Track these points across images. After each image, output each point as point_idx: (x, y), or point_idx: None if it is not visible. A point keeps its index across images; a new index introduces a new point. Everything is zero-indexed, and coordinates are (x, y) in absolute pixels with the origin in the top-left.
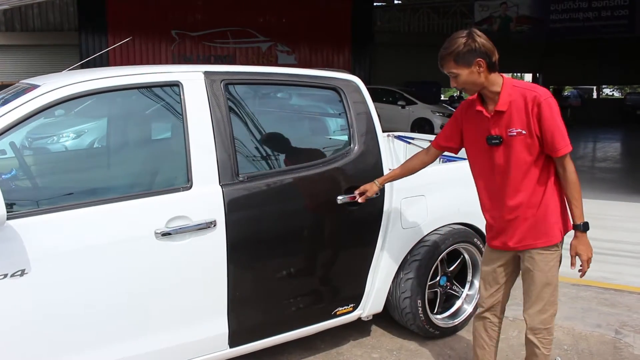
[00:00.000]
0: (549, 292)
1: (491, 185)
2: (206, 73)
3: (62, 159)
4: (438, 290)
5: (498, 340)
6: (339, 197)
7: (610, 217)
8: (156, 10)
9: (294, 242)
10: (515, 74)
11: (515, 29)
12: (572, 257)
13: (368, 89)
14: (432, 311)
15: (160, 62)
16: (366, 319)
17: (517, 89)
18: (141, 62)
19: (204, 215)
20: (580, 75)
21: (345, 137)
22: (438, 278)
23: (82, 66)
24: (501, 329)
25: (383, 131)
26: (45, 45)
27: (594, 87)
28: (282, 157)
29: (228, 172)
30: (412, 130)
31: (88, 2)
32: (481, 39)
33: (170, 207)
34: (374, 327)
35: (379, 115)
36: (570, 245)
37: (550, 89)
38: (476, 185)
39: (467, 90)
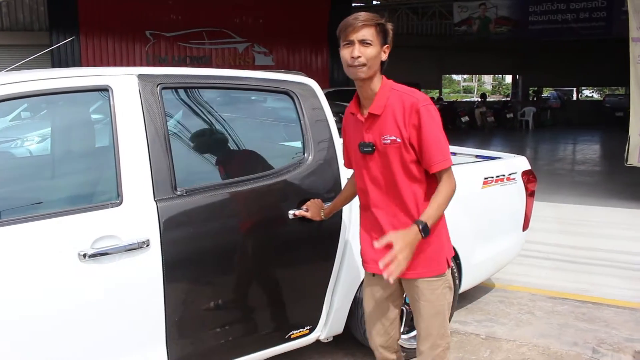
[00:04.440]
0: (437, 323)
1: (370, 202)
2: (140, 76)
3: None
4: (404, 308)
5: None
6: (291, 212)
7: (587, 223)
8: (130, 10)
9: (240, 261)
10: (495, 76)
11: (494, 30)
12: (385, 242)
13: (347, 91)
14: None
15: (134, 63)
16: (326, 341)
17: (396, 92)
18: (114, 63)
19: (135, 234)
20: (559, 77)
21: (299, 145)
22: (403, 296)
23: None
24: None
25: None
26: (15, 46)
27: (574, 89)
28: (227, 168)
29: (164, 186)
30: None
31: (59, 2)
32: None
33: (97, 226)
34: (335, 349)
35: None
36: (391, 233)
37: (531, 91)
38: (359, 202)
39: (360, 72)
